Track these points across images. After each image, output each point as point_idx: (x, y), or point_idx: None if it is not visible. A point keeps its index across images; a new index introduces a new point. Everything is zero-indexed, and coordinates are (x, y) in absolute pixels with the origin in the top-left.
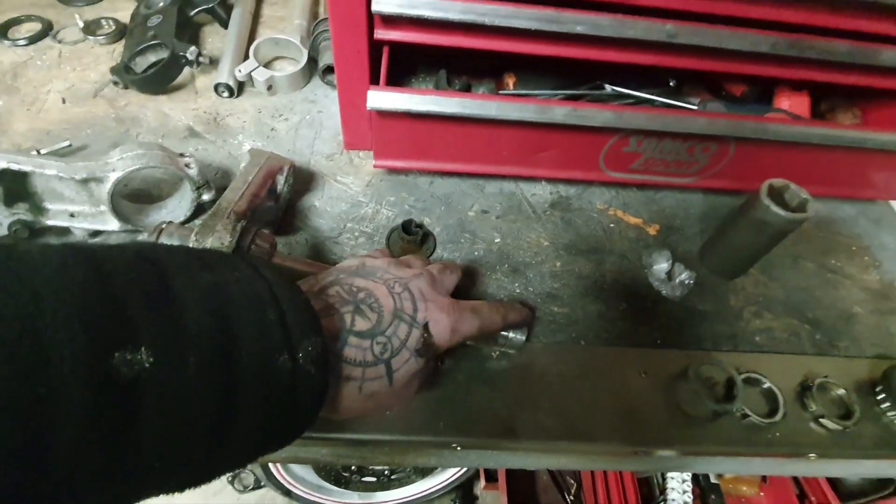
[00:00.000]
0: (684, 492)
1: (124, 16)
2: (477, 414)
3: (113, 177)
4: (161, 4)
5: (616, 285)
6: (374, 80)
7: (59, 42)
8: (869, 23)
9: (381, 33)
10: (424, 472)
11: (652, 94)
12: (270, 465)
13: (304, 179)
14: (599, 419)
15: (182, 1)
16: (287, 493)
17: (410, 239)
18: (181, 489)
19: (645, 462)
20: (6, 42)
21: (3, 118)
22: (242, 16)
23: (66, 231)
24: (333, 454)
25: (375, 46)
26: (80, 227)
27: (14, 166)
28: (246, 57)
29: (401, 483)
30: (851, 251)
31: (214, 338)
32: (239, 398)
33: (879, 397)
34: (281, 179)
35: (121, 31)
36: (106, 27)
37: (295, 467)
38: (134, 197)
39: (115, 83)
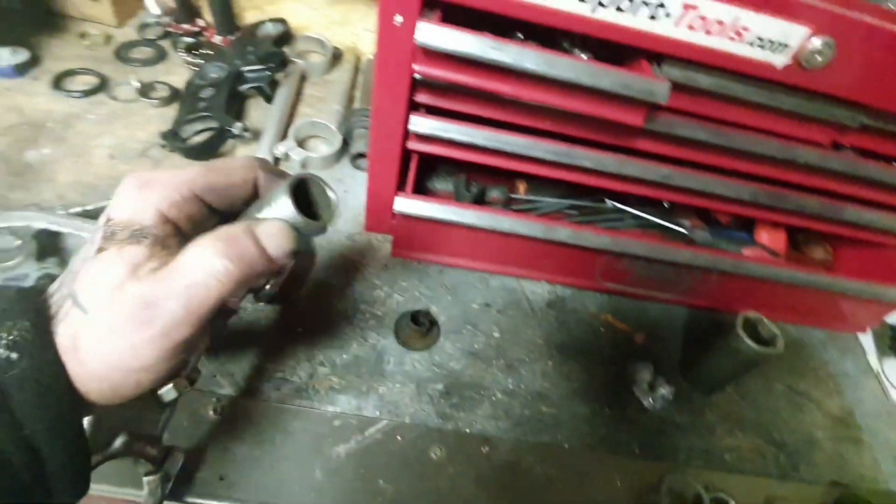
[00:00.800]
0: None
1: (177, 81)
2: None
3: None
4: (215, 77)
5: (602, 390)
6: (401, 184)
7: (113, 98)
8: (836, 185)
9: (414, 146)
10: None
11: (647, 213)
12: None
13: (324, 254)
14: None
15: (234, 77)
16: None
17: (417, 329)
18: None
19: None
20: (62, 92)
21: (50, 167)
22: (287, 96)
23: None
24: None
25: (407, 152)
26: None
27: (53, 227)
28: (285, 135)
29: None
30: (818, 376)
31: None
32: None
33: None
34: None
35: (173, 96)
36: (160, 91)
37: None
38: None
39: (163, 146)
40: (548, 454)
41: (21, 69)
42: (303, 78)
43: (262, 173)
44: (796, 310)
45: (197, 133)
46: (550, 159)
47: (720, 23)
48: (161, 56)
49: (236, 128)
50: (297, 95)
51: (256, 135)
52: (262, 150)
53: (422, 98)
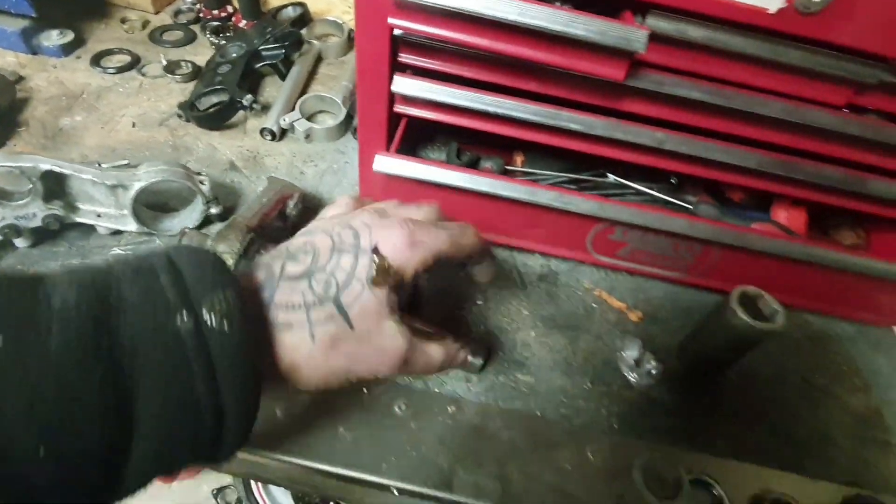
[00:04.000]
0: None
1: (201, 60)
2: (420, 462)
3: (137, 185)
4: (234, 56)
5: (585, 364)
6: (389, 146)
7: (143, 75)
8: (857, 153)
9: (400, 108)
10: None
11: (651, 189)
12: (252, 483)
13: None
14: (537, 492)
15: (251, 55)
16: None
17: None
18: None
19: None
20: (98, 69)
21: (79, 132)
22: (300, 73)
23: (91, 228)
24: (286, 477)
25: (395, 116)
26: (104, 226)
27: (56, 169)
28: (293, 108)
29: None
30: (842, 371)
31: (84, 310)
32: (125, 370)
33: None
34: (291, 204)
35: (195, 73)
36: (184, 68)
37: (276, 493)
38: (152, 205)
39: (180, 116)
40: (517, 421)
41: (67, 49)
42: (319, 58)
43: (486, 247)
44: (817, 296)
45: (212, 105)
46: (537, 121)
47: None
48: (190, 38)
49: (246, 100)
50: (312, 75)
51: (266, 108)
52: (269, 121)
53: (405, 58)
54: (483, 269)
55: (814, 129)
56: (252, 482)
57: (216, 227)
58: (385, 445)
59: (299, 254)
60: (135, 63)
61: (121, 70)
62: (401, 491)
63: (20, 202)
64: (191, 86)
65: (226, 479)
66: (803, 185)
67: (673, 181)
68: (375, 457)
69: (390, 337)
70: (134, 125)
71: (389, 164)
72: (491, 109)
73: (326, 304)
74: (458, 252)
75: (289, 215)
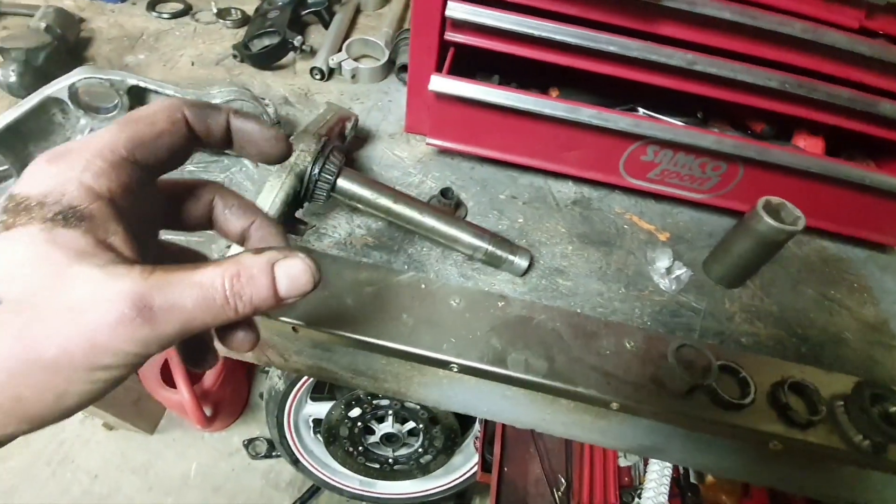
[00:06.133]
0: (661, 485)
1: (249, 8)
2: (475, 344)
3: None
4: (280, 3)
5: (618, 273)
6: (440, 71)
7: (196, 21)
8: (868, 75)
9: (450, 35)
10: (425, 470)
11: (679, 121)
12: (286, 428)
13: (368, 147)
14: (582, 371)
15: (297, 2)
16: (295, 461)
17: (446, 202)
18: None
19: (622, 428)
20: (154, 13)
21: (143, 69)
22: (342, 20)
23: None
24: (349, 367)
25: (444, 46)
26: None
27: (142, 84)
28: (339, 51)
29: (402, 476)
30: (853, 287)
31: None
32: None
33: (847, 406)
34: (349, 126)
35: (244, 20)
36: (234, 15)
37: (307, 438)
38: None
39: (235, 56)
40: (559, 315)
41: None
42: (358, 10)
43: (190, 110)
44: (834, 216)
45: (264, 47)
46: (577, 44)
47: None
48: None
49: (297, 40)
50: (352, 25)
51: (313, 52)
52: (318, 60)
53: None
54: (241, 338)
55: (830, 49)
56: (286, 426)
57: None
58: (444, 330)
59: None
60: (188, 10)
61: (175, 16)
62: (460, 367)
63: (107, 115)
64: (240, 31)
65: (255, 432)
66: (820, 107)
67: (699, 115)
68: (436, 338)
69: (89, 288)
70: (193, 64)
71: (444, 83)
72: (535, 33)
73: None
74: (146, 131)
75: (347, 136)
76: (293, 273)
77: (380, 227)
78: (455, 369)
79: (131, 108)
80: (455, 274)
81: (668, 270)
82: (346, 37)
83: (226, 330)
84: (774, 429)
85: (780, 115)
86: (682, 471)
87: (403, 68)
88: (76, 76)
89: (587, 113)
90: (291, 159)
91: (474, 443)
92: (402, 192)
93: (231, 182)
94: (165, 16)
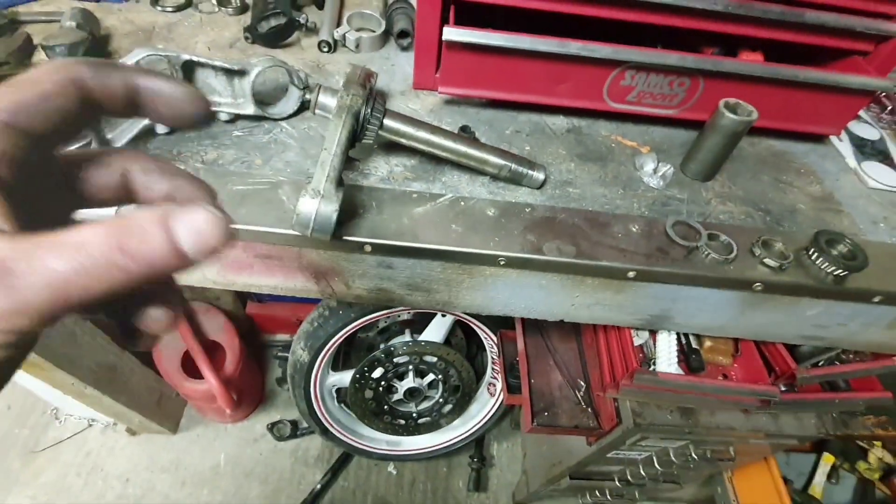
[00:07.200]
0: (671, 352)
1: None
2: (515, 240)
3: (256, 70)
4: None
5: (615, 180)
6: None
7: (199, 11)
8: None
9: None
10: (449, 420)
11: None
12: (313, 399)
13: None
14: (602, 251)
15: None
16: (325, 431)
17: (468, 136)
18: None
19: (636, 300)
20: (158, 8)
21: None
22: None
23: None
24: (406, 282)
25: (445, 7)
26: (225, 112)
27: (194, 58)
28: (339, 25)
29: (426, 429)
30: (800, 172)
31: None
32: None
33: (809, 251)
34: (373, 80)
35: (243, 7)
36: (234, 3)
37: (332, 407)
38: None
39: (246, 38)
40: (575, 213)
41: None
42: None
43: (87, 68)
44: (779, 113)
45: (272, 27)
46: None
47: None
48: None
49: (303, 18)
50: (343, 2)
51: (315, 29)
52: (323, 34)
53: None
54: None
55: None
56: (313, 397)
57: (308, 115)
58: (487, 233)
59: None
60: (188, 3)
61: (178, 9)
62: (507, 259)
63: None
64: (242, 18)
65: (275, 417)
66: (758, 23)
67: (659, 47)
68: (483, 239)
69: None
70: (209, 49)
71: (456, 33)
72: None
73: None
74: (27, 94)
75: (372, 89)
76: (195, 225)
77: (414, 163)
78: (502, 262)
79: (184, 79)
80: (484, 192)
81: (655, 171)
82: (341, 10)
83: (136, 307)
84: (755, 275)
85: (725, 37)
86: (684, 340)
87: (401, 34)
88: (140, 54)
89: (575, 46)
90: (347, 101)
91: (488, 388)
92: (436, 126)
93: (275, 141)
94: (169, 9)
